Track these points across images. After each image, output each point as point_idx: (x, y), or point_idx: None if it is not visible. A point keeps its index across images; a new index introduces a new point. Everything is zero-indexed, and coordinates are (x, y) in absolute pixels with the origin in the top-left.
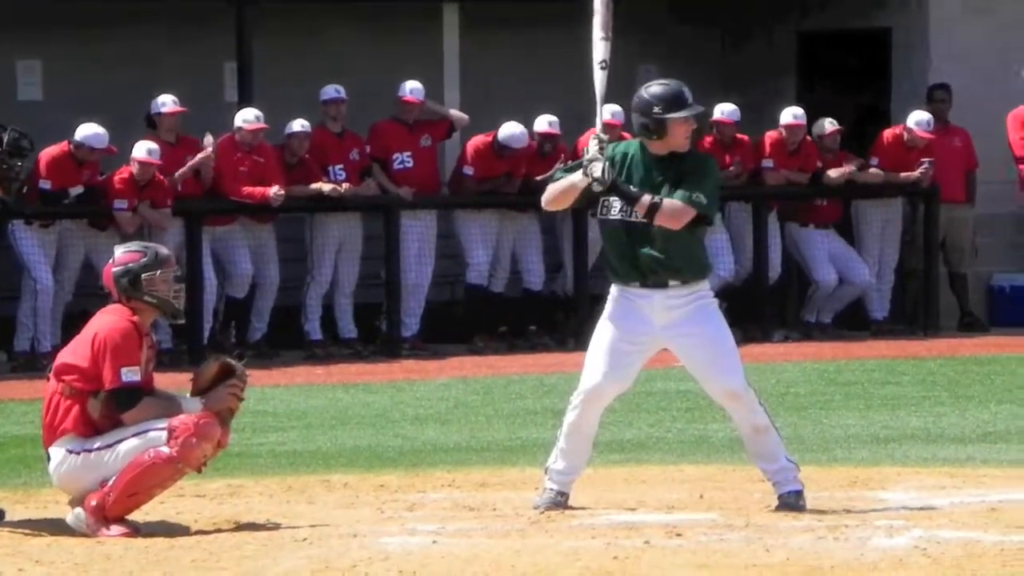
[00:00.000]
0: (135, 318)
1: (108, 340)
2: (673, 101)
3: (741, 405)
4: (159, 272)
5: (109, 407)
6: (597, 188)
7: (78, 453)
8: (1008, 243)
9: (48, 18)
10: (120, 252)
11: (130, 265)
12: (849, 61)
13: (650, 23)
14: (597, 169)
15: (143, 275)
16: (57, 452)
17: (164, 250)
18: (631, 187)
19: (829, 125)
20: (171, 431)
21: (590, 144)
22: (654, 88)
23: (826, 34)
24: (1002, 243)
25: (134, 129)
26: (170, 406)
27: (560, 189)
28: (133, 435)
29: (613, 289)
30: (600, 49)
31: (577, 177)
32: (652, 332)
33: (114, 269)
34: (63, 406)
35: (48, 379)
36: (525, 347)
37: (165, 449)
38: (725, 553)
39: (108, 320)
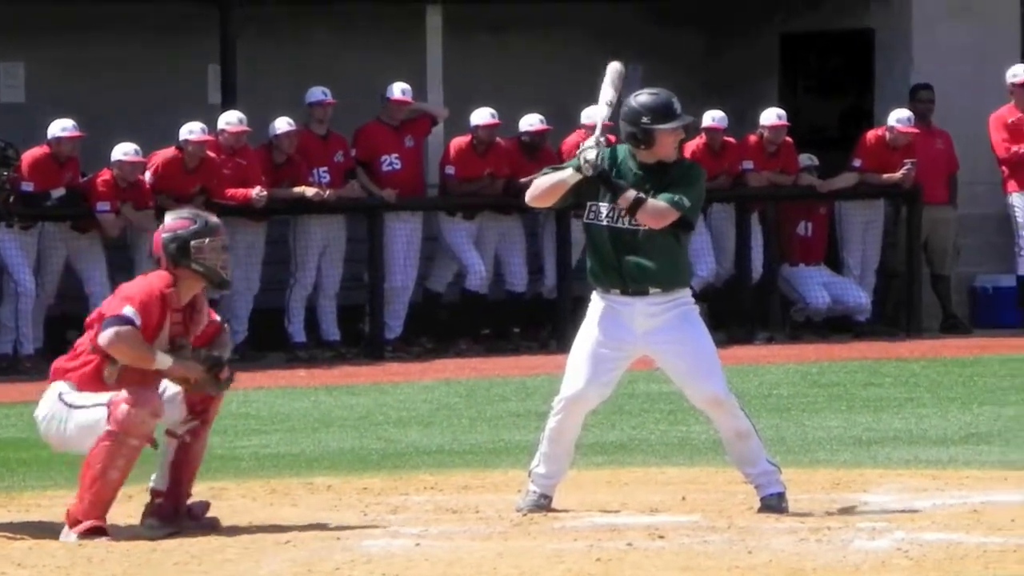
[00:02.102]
0: (169, 289)
1: (130, 289)
2: (661, 112)
3: (723, 411)
4: (208, 240)
5: (98, 332)
6: (588, 171)
7: (64, 405)
8: (990, 244)
9: (31, 20)
10: (170, 218)
11: (179, 231)
12: (832, 62)
13: (631, 25)
14: (591, 153)
15: (192, 242)
16: (52, 391)
17: (214, 219)
18: (620, 180)
19: (807, 160)
20: (108, 406)
21: (587, 141)
22: (643, 97)
23: (809, 35)
24: (985, 244)
25: (116, 131)
26: (148, 352)
27: (549, 183)
28: (85, 407)
29: (594, 295)
30: (608, 96)
31: (567, 173)
32: (633, 339)
33: (163, 235)
34: (84, 355)
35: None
36: (508, 349)
37: (105, 426)
38: (708, 555)
39: (141, 280)
